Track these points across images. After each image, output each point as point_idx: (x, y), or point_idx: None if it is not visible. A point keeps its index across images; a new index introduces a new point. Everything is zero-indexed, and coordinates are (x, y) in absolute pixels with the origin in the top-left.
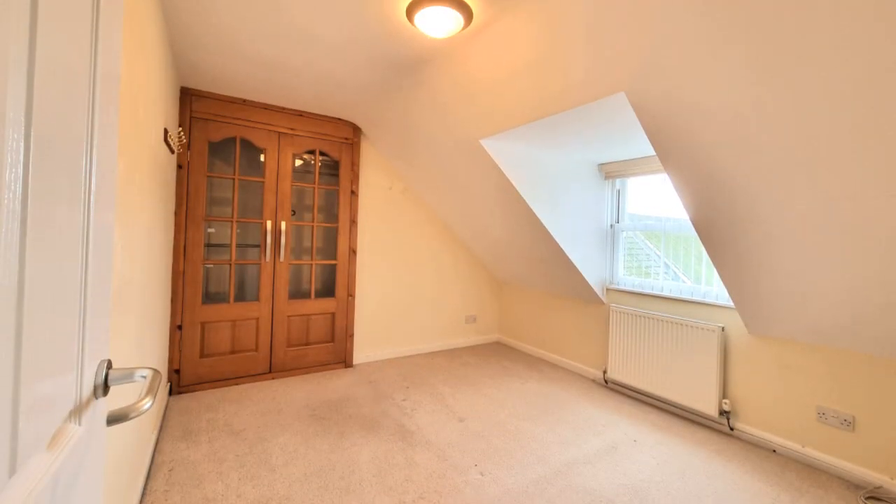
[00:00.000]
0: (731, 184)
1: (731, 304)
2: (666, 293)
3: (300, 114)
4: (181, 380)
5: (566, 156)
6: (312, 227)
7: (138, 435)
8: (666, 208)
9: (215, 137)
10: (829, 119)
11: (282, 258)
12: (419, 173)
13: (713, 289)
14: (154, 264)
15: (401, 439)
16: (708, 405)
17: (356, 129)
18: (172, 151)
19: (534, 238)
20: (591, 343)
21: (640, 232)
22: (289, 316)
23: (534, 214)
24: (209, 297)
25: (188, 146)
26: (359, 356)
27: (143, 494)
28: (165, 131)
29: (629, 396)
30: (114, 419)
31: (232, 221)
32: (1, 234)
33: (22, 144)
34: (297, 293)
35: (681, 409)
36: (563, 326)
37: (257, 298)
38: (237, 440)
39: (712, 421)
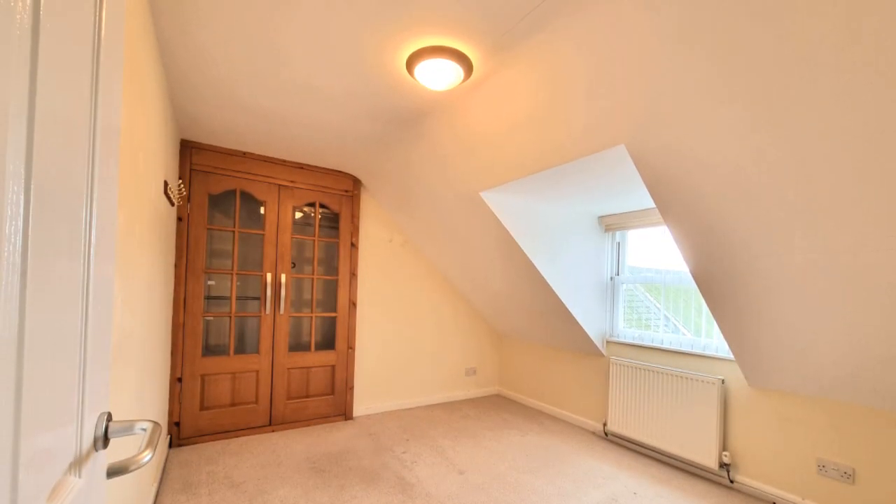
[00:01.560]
0: (731, 237)
1: (731, 356)
2: (666, 345)
3: (300, 166)
4: (181, 432)
5: (566, 208)
6: (312, 279)
7: (138, 488)
8: (666, 261)
9: (215, 190)
10: (829, 170)
11: (282, 311)
12: (419, 225)
13: (713, 341)
14: (154, 317)
15: (401, 492)
16: (708, 457)
17: (356, 182)
18: (172, 204)
19: (534, 291)
20: (592, 395)
21: (640, 284)
22: (289, 368)
23: (534, 267)
24: (209, 350)
25: (188, 198)
26: (359, 408)
27: None
28: (165, 184)
29: (630, 449)
30: (114, 472)
31: (232, 274)
32: (1, 286)
33: (22, 197)
34: (298, 345)
35: (681, 461)
36: (564, 379)
37: (257, 351)
38: (237, 493)
39: (713, 473)
